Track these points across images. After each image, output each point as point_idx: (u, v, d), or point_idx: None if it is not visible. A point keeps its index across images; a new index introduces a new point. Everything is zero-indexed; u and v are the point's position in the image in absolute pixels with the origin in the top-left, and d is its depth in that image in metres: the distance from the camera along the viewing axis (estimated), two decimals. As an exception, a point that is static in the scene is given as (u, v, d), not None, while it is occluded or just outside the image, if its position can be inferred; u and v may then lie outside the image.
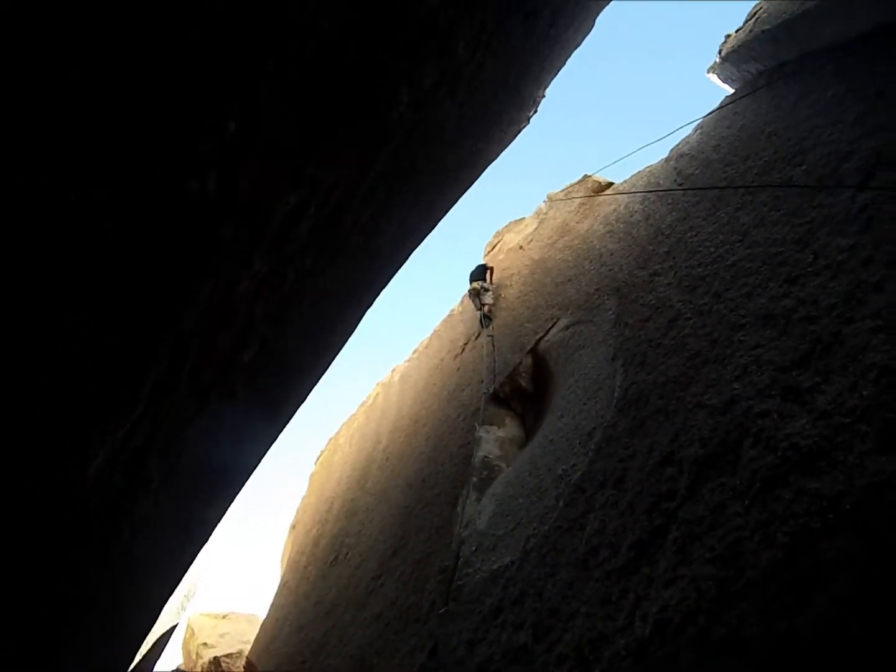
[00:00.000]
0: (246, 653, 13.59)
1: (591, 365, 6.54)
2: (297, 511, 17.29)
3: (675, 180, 7.32)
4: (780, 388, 3.66)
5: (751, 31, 7.12)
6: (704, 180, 6.63)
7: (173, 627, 15.23)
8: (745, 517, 3.33)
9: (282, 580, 14.91)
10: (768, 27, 6.70)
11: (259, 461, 9.03)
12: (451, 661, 5.30)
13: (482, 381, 9.12)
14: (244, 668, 12.96)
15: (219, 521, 9.00)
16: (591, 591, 4.17)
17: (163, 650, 14.72)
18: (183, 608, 18.57)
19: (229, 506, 9.36)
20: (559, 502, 5.32)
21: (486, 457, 7.75)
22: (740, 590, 3.08)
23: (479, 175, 9.17)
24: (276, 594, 14.34)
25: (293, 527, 17.08)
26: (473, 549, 6.35)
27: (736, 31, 7.76)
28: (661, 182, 7.74)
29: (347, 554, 10.53)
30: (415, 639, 6.27)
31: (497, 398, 8.69)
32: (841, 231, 4.01)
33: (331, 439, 17.51)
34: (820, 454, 3.12)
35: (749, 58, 7.25)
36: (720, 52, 7.91)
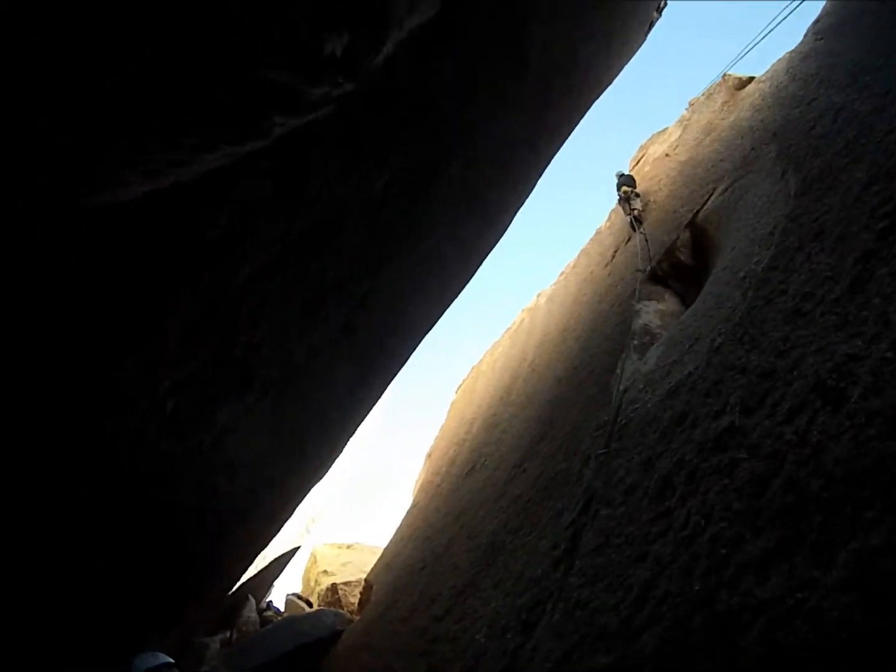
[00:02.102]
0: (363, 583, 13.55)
1: (757, 198, 6.69)
2: (435, 439, 17.55)
3: (815, 39, 7.64)
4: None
5: None
6: (847, 21, 6.98)
7: (296, 549, 15.46)
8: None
9: (411, 504, 15.10)
10: None
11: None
12: (618, 494, 4.88)
13: (637, 270, 9.25)
14: (363, 588, 12.97)
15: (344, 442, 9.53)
16: (817, 328, 3.79)
17: (282, 570, 14.96)
18: (308, 531, 18.94)
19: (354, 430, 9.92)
20: (746, 294, 5.23)
21: (646, 324, 7.86)
22: None
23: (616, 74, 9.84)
24: (404, 517, 14.52)
25: (429, 455, 17.39)
26: (641, 387, 6.21)
27: None
28: (802, 50, 7.99)
29: (485, 461, 10.54)
30: (562, 501, 5.99)
31: (655, 277, 8.86)
32: None
33: (473, 367, 17.84)
34: None
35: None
36: None
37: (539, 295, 15.81)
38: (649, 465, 4.72)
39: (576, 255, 14.45)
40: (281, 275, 4.83)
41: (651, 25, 10.29)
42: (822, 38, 7.39)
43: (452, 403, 17.95)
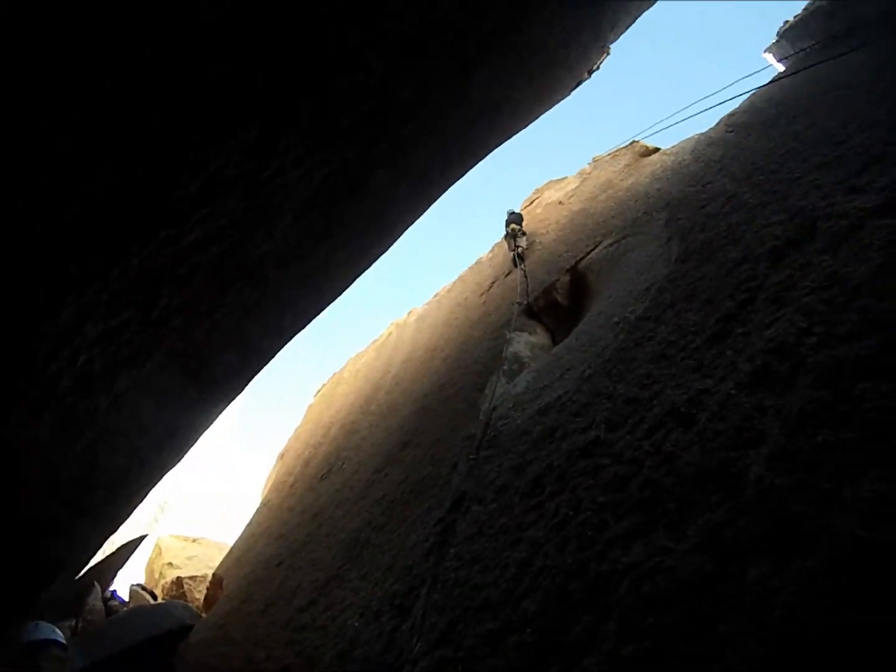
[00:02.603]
0: (211, 578, 13.19)
1: (640, 257, 7.30)
2: (289, 440, 17.22)
3: (726, 130, 8.43)
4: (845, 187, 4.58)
5: (807, 9, 8.45)
6: (758, 123, 7.70)
7: (143, 537, 15.01)
8: (832, 259, 3.93)
9: (261, 502, 14.84)
10: (823, 3, 8.03)
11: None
12: (490, 493, 5.14)
13: (512, 303, 9.75)
14: (210, 583, 12.68)
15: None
16: (677, 369, 4.32)
17: (128, 558, 14.48)
18: (157, 520, 18.30)
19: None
20: (619, 336, 5.72)
21: (517, 353, 8.30)
22: (847, 298, 3.46)
23: (532, 119, 10.32)
24: (255, 515, 14.29)
25: (281, 456, 17.00)
26: (510, 406, 6.59)
27: (794, 17, 9.11)
28: (711, 136, 8.85)
29: (343, 465, 10.61)
30: (430, 502, 6.20)
31: (530, 311, 9.38)
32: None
33: (335, 374, 17.71)
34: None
35: (805, 34, 8.50)
36: (778, 33, 9.22)
37: (410, 312, 16.06)
38: (520, 470, 5.06)
39: (453, 280, 14.88)
40: (217, 247, 4.75)
41: (579, 83, 10.90)
42: (732, 131, 8.15)
43: (310, 407, 17.79)
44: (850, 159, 4.95)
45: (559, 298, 9.21)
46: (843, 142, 5.33)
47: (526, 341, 8.75)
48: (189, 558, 16.45)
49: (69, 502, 6.20)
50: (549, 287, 9.34)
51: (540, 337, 9.00)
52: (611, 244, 8.49)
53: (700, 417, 3.61)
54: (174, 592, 14.81)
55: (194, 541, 18.13)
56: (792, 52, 9.11)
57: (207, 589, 12.83)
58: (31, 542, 6.05)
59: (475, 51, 6.34)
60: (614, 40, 10.26)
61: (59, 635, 4.87)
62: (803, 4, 9.11)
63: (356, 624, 5.41)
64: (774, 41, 9.75)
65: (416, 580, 5.01)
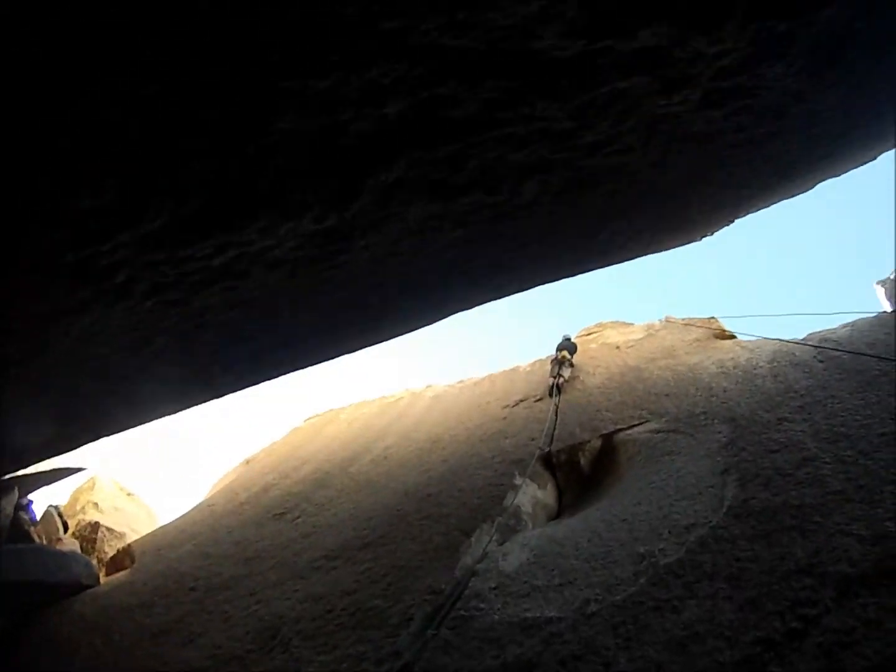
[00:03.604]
0: (129, 540, 12.77)
1: (686, 471, 6.55)
2: (261, 451, 16.67)
3: (816, 357, 7.67)
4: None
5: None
6: (853, 365, 7.00)
7: (81, 469, 14.68)
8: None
9: (206, 500, 14.26)
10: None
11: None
12: None
13: (532, 439, 9.12)
14: (123, 549, 12.06)
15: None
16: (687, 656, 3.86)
17: (57, 480, 14.18)
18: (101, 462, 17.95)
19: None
20: (639, 578, 4.99)
21: (519, 506, 7.58)
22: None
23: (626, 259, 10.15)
24: (193, 509, 13.70)
25: (247, 461, 16.42)
26: (493, 586, 5.79)
27: None
28: (796, 353, 8.08)
29: (299, 517, 9.94)
30: (369, 646, 5.47)
31: (547, 461, 8.67)
32: None
33: (332, 409, 17.26)
34: None
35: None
36: None
37: (428, 387, 15.54)
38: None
39: (482, 376, 14.32)
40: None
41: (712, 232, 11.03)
42: (822, 362, 7.45)
43: (295, 429, 17.23)
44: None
45: (582, 462, 8.47)
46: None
47: (532, 495, 8.00)
48: (116, 508, 15.87)
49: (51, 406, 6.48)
50: (576, 445, 8.63)
51: (548, 495, 8.25)
52: (657, 431, 7.76)
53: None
54: (86, 533, 14.04)
55: (129, 494, 17.47)
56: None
57: (119, 551, 12.17)
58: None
59: (627, 203, 6.63)
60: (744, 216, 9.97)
61: None
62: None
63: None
64: (892, 276, 9.07)
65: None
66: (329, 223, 4.87)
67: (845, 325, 8.45)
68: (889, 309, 8.67)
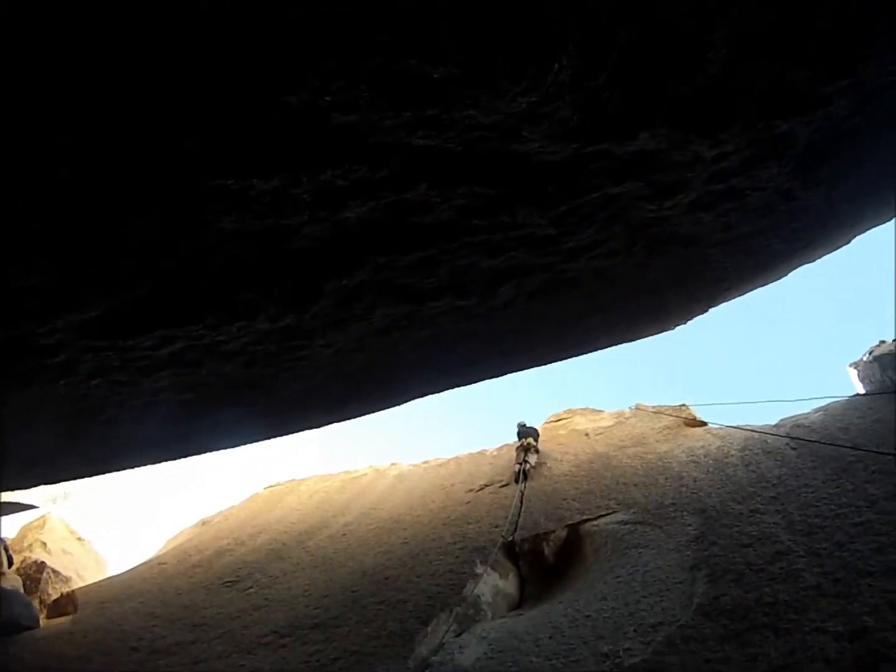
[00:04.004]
0: (75, 586, 12.37)
1: (654, 565, 6.27)
2: (218, 514, 16.11)
3: (788, 444, 7.58)
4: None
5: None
6: (826, 451, 6.91)
7: (34, 507, 14.56)
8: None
9: (157, 557, 13.72)
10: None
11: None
12: None
13: (496, 526, 8.78)
14: (64, 595, 11.55)
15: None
16: None
17: (6, 514, 13.75)
18: (54, 501, 17.41)
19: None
20: None
21: (479, 596, 7.19)
22: None
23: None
24: (143, 564, 13.16)
25: (203, 523, 15.90)
26: None
27: (893, 340, 8.50)
28: (768, 441, 7.96)
29: (251, 587, 9.56)
30: None
31: (510, 550, 8.28)
32: None
33: (294, 479, 16.89)
34: None
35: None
36: (870, 352, 8.57)
37: (392, 464, 15.21)
38: None
39: (448, 457, 14.07)
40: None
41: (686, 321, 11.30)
42: (795, 449, 7.37)
43: (255, 495, 16.77)
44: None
45: (546, 552, 8.07)
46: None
47: (493, 585, 7.57)
48: (65, 551, 15.29)
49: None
50: (541, 535, 8.27)
51: (509, 584, 7.78)
52: (625, 522, 7.47)
53: None
54: (31, 572, 13.37)
55: (79, 539, 16.88)
56: (878, 378, 8.45)
57: (62, 595, 11.62)
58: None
59: (606, 301, 7.01)
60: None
61: None
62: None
63: None
64: (865, 358, 9.06)
65: None
66: (286, 322, 4.72)
67: (818, 410, 8.43)
68: (862, 391, 8.62)
